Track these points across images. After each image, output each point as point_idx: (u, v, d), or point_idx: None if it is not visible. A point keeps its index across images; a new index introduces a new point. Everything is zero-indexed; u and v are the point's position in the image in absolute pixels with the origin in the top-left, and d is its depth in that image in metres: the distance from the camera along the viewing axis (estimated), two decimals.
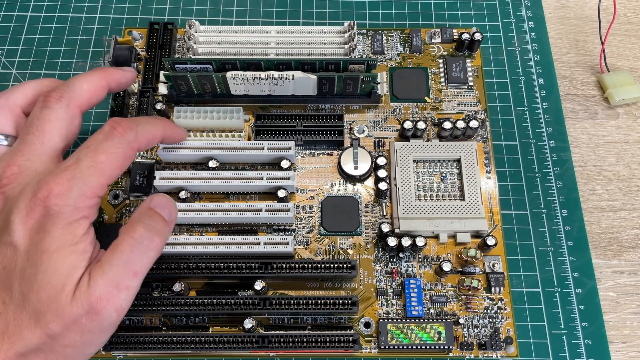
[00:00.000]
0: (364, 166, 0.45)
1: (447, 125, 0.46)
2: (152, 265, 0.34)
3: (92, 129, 0.49)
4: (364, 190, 0.46)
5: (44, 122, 0.34)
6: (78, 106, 0.36)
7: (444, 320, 0.40)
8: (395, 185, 0.44)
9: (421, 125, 0.45)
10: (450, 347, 0.40)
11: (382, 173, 0.45)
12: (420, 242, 0.41)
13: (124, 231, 0.33)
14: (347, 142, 0.47)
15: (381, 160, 0.45)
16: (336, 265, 0.40)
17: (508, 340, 0.41)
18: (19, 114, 0.37)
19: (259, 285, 0.40)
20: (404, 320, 0.41)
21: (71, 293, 0.30)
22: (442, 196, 0.45)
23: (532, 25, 0.54)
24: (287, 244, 0.41)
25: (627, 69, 0.53)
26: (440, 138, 0.47)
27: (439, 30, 0.52)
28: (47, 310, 0.29)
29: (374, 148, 0.47)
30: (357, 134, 0.48)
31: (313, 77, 0.44)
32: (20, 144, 0.34)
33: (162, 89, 0.46)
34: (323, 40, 0.46)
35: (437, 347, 0.40)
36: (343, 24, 0.47)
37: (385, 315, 0.42)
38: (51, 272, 0.30)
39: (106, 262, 0.31)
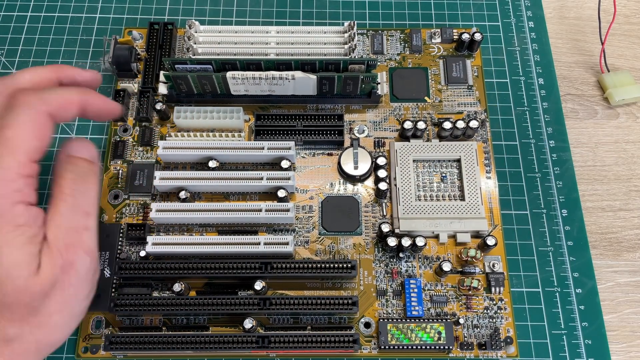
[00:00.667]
0: (364, 166, 0.45)
1: (447, 125, 0.46)
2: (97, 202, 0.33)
3: (91, 128, 0.49)
4: (364, 190, 0.46)
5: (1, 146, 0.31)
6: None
7: (444, 320, 0.40)
8: (395, 185, 0.44)
9: (421, 125, 0.45)
10: (450, 347, 0.40)
11: (382, 173, 0.45)
12: (420, 242, 0.41)
13: (55, 187, 0.32)
14: (347, 142, 0.47)
15: (381, 160, 0.45)
16: (336, 265, 0.40)
17: (508, 340, 0.41)
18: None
19: (259, 285, 0.40)
20: (404, 320, 0.41)
21: (34, 274, 0.29)
22: (442, 196, 0.45)
23: (532, 25, 0.54)
24: (287, 244, 0.41)
25: (627, 69, 0.53)
26: (440, 138, 0.47)
27: (439, 30, 0.52)
28: (14, 302, 0.29)
29: (374, 148, 0.47)
30: (357, 134, 0.48)
31: (313, 77, 0.44)
32: None
33: (162, 89, 0.46)
34: (323, 40, 0.46)
35: (437, 347, 0.40)
36: (343, 24, 0.47)
37: (385, 315, 0.42)
38: (8, 266, 0.29)
39: (55, 216, 0.31)
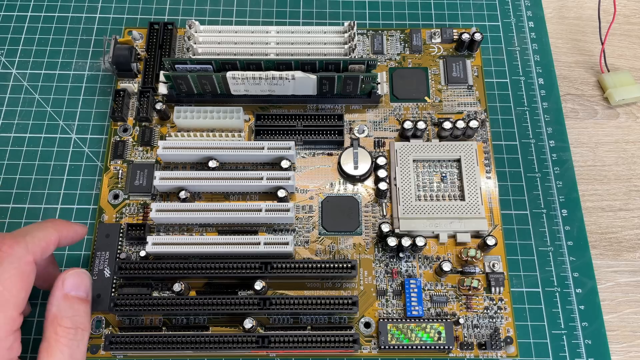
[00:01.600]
0: (364, 166, 0.45)
1: (447, 125, 0.46)
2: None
3: (91, 128, 0.49)
4: (364, 190, 0.46)
5: None
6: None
7: (444, 320, 0.40)
8: (395, 185, 0.44)
9: (421, 125, 0.45)
10: (450, 347, 0.40)
11: (382, 173, 0.45)
12: (420, 242, 0.41)
13: (51, 332, 0.32)
14: (347, 142, 0.47)
15: (381, 160, 0.45)
16: (336, 265, 0.40)
17: (508, 340, 0.41)
18: None
19: (259, 285, 0.40)
20: (404, 320, 0.41)
21: None
22: (442, 196, 0.45)
23: (532, 25, 0.54)
24: (287, 244, 0.41)
25: (627, 69, 0.53)
26: (440, 138, 0.47)
27: (439, 30, 0.52)
28: None
29: (374, 148, 0.47)
30: (357, 134, 0.48)
31: (313, 77, 0.44)
32: None
33: (162, 89, 0.46)
34: (323, 40, 0.46)
35: (437, 347, 0.40)
36: (343, 24, 0.47)
37: (385, 315, 0.42)
38: None
39: None
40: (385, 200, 0.45)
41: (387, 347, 0.40)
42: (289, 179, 0.43)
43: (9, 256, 0.31)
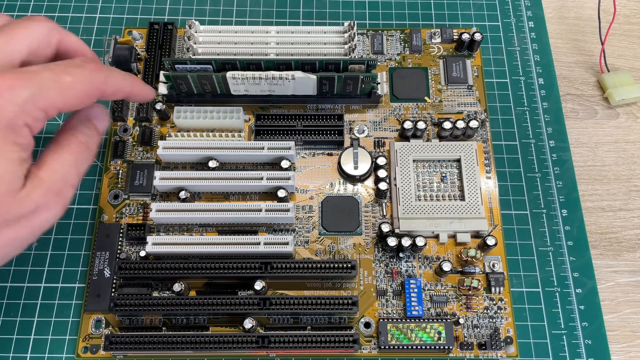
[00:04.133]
0: (364, 166, 0.45)
1: (447, 125, 0.46)
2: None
3: None
4: (364, 190, 0.46)
5: (20, 28, 0.32)
6: (60, 42, 0.34)
7: (444, 320, 0.40)
8: (395, 185, 0.44)
9: (421, 125, 0.45)
10: (450, 347, 0.40)
11: (382, 173, 0.45)
12: (420, 242, 0.41)
13: (64, 137, 0.33)
14: (347, 142, 0.47)
15: (381, 160, 0.45)
16: (336, 265, 0.40)
17: (508, 340, 0.41)
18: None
19: (259, 285, 0.40)
20: (404, 320, 0.41)
21: (14, 194, 0.29)
22: (442, 196, 0.45)
23: (532, 25, 0.54)
24: (287, 244, 0.41)
25: (627, 69, 0.53)
26: (440, 138, 0.47)
27: (439, 30, 0.52)
28: None
29: (374, 148, 0.47)
30: (357, 134, 0.48)
31: (313, 77, 0.44)
32: None
33: (162, 89, 0.46)
34: (323, 40, 0.46)
35: (437, 347, 0.40)
36: (343, 24, 0.47)
37: (385, 315, 0.42)
38: None
39: (56, 161, 0.31)
40: (385, 200, 0.45)
41: (387, 347, 0.40)
42: (289, 179, 0.43)
43: (91, 72, 0.32)
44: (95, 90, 0.33)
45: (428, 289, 0.43)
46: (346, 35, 0.46)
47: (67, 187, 0.32)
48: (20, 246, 0.31)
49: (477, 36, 0.49)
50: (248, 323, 0.39)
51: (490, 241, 0.42)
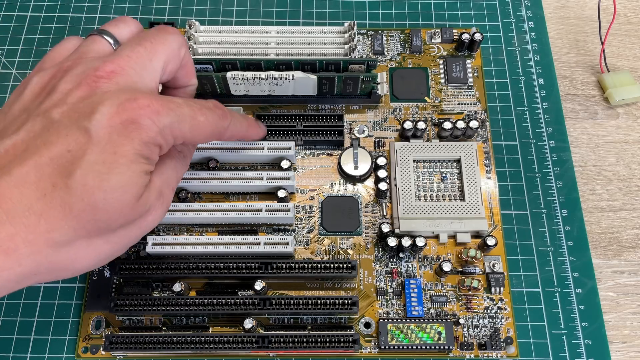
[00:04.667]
0: (364, 166, 0.45)
1: (447, 125, 0.46)
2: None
3: None
4: (364, 191, 0.46)
5: (159, 43, 0.33)
6: (184, 58, 0.36)
7: (444, 321, 0.40)
8: (395, 185, 0.44)
9: (421, 125, 0.45)
10: (450, 347, 0.40)
11: (382, 173, 0.45)
12: (420, 242, 0.41)
13: (172, 155, 0.36)
14: (347, 142, 0.47)
15: (381, 161, 0.45)
16: (336, 266, 0.40)
17: (508, 340, 0.41)
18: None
19: (259, 285, 0.40)
20: (404, 320, 0.41)
21: (138, 200, 0.31)
22: (442, 196, 0.45)
23: (532, 25, 0.54)
24: (287, 244, 0.41)
25: (627, 69, 0.53)
26: (440, 138, 0.47)
27: (439, 30, 0.52)
28: (109, 209, 0.29)
29: (374, 148, 0.47)
30: (357, 134, 0.48)
31: (313, 77, 0.44)
32: (128, 51, 0.32)
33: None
34: (323, 40, 0.46)
35: (437, 347, 0.40)
36: (343, 24, 0.47)
37: (385, 315, 0.42)
38: (127, 179, 0.29)
39: (162, 166, 0.34)
40: (385, 201, 0.45)
41: (387, 347, 0.40)
42: (289, 179, 0.43)
43: (219, 118, 0.36)
44: (217, 134, 0.36)
45: (428, 289, 0.43)
46: (346, 35, 0.46)
47: (169, 190, 0.35)
48: (128, 245, 0.33)
49: (477, 36, 0.49)
50: (248, 323, 0.39)
51: (490, 241, 0.42)
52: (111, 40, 0.34)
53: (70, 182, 0.28)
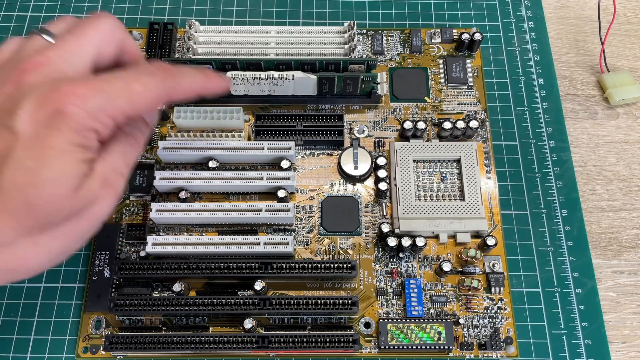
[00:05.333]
0: (364, 166, 0.45)
1: (447, 125, 0.46)
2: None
3: None
4: (364, 191, 0.46)
5: (89, 28, 0.32)
6: (121, 40, 0.35)
7: (444, 320, 0.40)
8: (395, 185, 0.44)
9: (421, 125, 0.45)
10: (450, 347, 0.40)
11: (382, 173, 0.45)
12: (420, 242, 0.41)
13: (117, 133, 0.33)
14: (347, 142, 0.47)
15: (381, 161, 0.45)
16: (336, 266, 0.40)
17: (508, 340, 0.41)
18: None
19: (259, 285, 0.40)
20: (404, 320, 0.41)
21: (77, 190, 0.30)
22: (442, 196, 0.45)
23: (532, 25, 0.54)
24: (287, 244, 0.41)
25: (627, 69, 0.53)
26: (440, 138, 0.47)
27: (439, 30, 0.52)
28: (44, 204, 0.28)
29: (374, 148, 0.47)
30: (357, 134, 0.48)
31: (313, 77, 0.44)
32: (57, 41, 0.32)
33: None
34: (323, 40, 0.46)
35: (437, 347, 0.40)
36: (343, 24, 0.47)
37: (385, 315, 0.42)
38: (59, 170, 0.28)
39: (106, 153, 0.32)
40: (385, 201, 0.45)
41: (387, 347, 0.40)
42: (289, 179, 0.43)
43: (163, 79, 0.33)
44: (164, 97, 0.33)
45: (428, 289, 0.43)
46: (346, 35, 0.46)
47: (118, 177, 0.33)
48: (81, 239, 0.32)
49: (477, 36, 0.49)
50: (248, 323, 0.39)
51: (490, 241, 0.42)
52: (47, 37, 0.33)
53: (1, 182, 0.27)
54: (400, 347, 0.40)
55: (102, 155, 0.32)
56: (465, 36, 0.49)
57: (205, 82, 0.36)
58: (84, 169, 0.30)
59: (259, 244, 0.41)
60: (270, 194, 0.45)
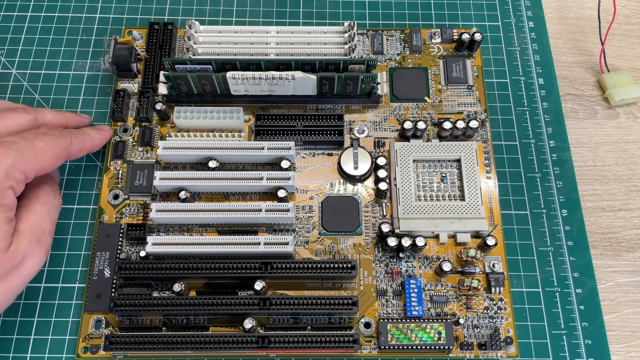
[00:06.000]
0: (364, 166, 0.45)
1: (447, 125, 0.46)
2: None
3: None
4: (364, 190, 0.46)
5: (3, 116, 0.37)
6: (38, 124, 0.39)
7: (444, 320, 0.40)
8: (395, 185, 0.44)
9: (421, 125, 0.45)
10: (450, 347, 0.40)
11: (382, 173, 0.45)
12: (420, 242, 0.41)
13: (33, 189, 0.37)
14: (347, 142, 0.47)
15: (381, 160, 0.45)
16: (336, 266, 0.40)
17: (508, 340, 0.41)
18: None
19: (259, 285, 0.40)
20: (404, 320, 0.41)
21: (5, 251, 0.32)
22: (442, 196, 0.45)
23: (532, 25, 0.54)
24: (287, 244, 0.41)
25: (627, 69, 0.53)
26: (440, 138, 0.47)
27: (439, 30, 0.52)
28: None
29: (374, 148, 0.47)
30: (357, 134, 0.48)
31: (313, 77, 0.44)
32: None
33: (162, 89, 0.46)
34: (323, 40, 0.46)
35: (437, 347, 0.40)
36: (343, 24, 0.47)
37: (385, 315, 0.42)
38: None
39: (30, 214, 0.35)
40: (385, 201, 0.45)
41: (387, 347, 0.40)
42: (289, 179, 0.43)
43: (57, 138, 0.38)
44: (64, 152, 0.38)
45: (428, 289, 0.43)
46: (346, 35, 0.46)
47: (45, 235, 0.36)
48: (12, 297, 0.35)
49: (477, 36, 0.49)
50: (248, 323, 0.39)
51: (490, 241, 0.42)
52: None
53: None
54: (400, 347, 0.40)
55: (27, 216, 0.35)
56: (465, 36, 0.49)
57: (93, 140, 0.42)
58: (9, 229, 0.33)
59: (259, 244, 0.41)
60: (270, 194, 0.45)
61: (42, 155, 0.35)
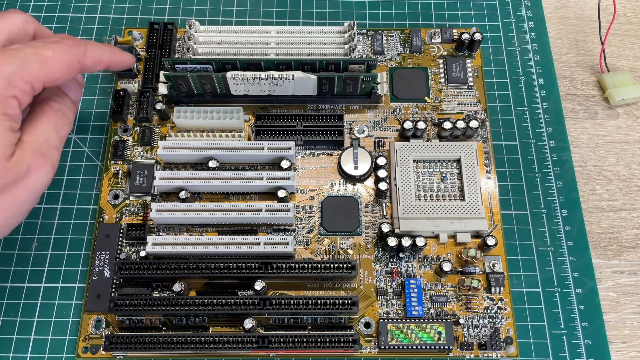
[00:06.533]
0: (364, 166, 0.45)
1: (447, 125, 0.46)
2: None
3: (91, 128, 0.49)
4: (364, 190, 0.46)
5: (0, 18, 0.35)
6: (36, 31, 0.37)
7: (444, 320, 0.40)
8: (395, 185, 0.44)
9: (421, 125, 0.45)
10: (450, 347, 0.40)
11: (382, 173, 0.45)
12: (420, 242, 0.41)
13: (38, 108, 0.35)
14: (347, 142, 0.47)
15: (381, 160, 0.45)
16: (336, 266, 0.40)
17: (508, 340, 0.41)
18: None
19: (259, 285, 0.40)
20: (404, 320, 0.41)
21: (7, 159, 0.31)
22: (442, 196, 0.45)
23: (532, 25, 0.54)
24: (287, 244, 0.41)
25: (627, 69, 0.53)
26: (440, 138, 0.47)
27: (439, 30, 0.52)
28: None
29: (374, 148, 0.47)
30: (357, 134, 0.48)
31: (313, 77, 0.44)
32: None
33: (162, 89, 0.46)
34: (323, 40, 0.46)
35: (437, 347, 0.40)
36: (343, 24, 0.47)
37: (385, 315, 0.42)
38: None
39: (36, 127, 0.34)
40: (385, 201, 0.45)
41: (387, 347, 0.40)
42: (289, 179, 0.43)
43: (70, 47, 0.35)
44: (76, 63, 0.35)
45: (428, 289, 0.43)
46: (346, 35, 0.46)
47: (51, 148, 0.34)
48: (20, 210, 0.33)
49: (477, 36, 0.49)
50: (248, 323, 0.39)
51: (490, 241, 0.42)
52: None
53: None
54: (400, 347, 0.40)
55: (32, 129, 0.34)
56: (465, 36, 0.49)
57: (111, 55, 0.39)
58: (12, 138, 0.31)
59: (259, 244, 0.41)
60: (270, 194, 0.45)
61: (51, 65, 0.33)
